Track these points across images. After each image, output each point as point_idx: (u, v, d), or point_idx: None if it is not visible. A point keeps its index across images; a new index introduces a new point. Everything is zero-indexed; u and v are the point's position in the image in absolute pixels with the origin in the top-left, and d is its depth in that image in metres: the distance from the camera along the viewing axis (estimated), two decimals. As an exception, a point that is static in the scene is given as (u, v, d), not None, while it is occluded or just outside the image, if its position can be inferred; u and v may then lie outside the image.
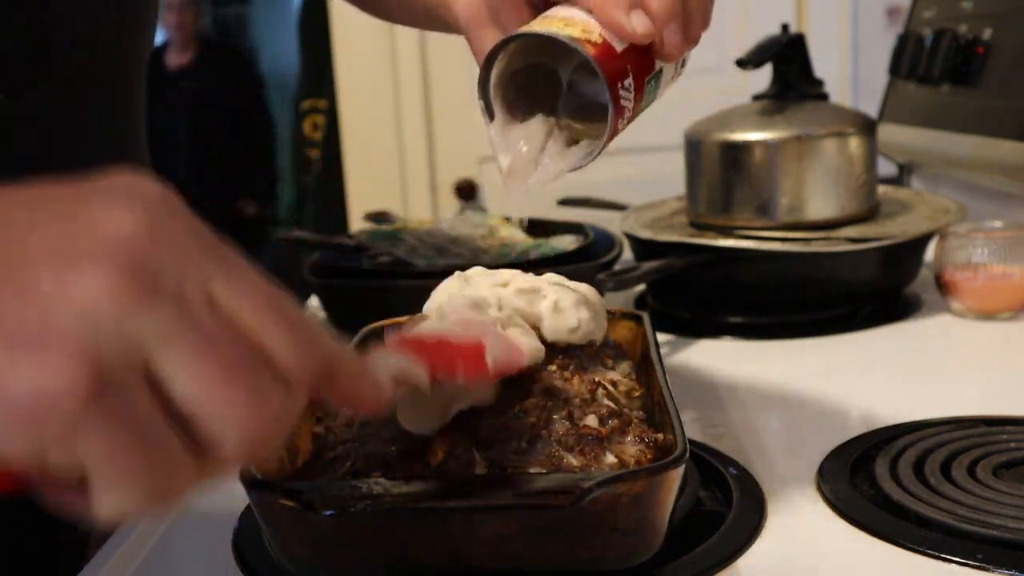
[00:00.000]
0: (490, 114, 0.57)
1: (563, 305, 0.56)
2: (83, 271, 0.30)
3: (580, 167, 0.57)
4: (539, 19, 0.56)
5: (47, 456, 0.30)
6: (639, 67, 0.55)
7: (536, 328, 0.56)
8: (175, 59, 3.33)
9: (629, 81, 0.54)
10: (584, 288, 0.60)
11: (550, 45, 0.54)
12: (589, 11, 0.55)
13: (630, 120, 0.56)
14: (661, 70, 0.57)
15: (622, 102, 0.54)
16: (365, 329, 0.66)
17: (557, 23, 0.54)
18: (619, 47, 0.54)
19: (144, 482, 0.31)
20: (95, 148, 0.63)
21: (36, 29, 0.58)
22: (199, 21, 3.65)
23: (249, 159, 3.39)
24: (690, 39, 0.56)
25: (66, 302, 0.30)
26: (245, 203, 3.31)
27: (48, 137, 0.60)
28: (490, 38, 0.60)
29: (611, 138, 0.56)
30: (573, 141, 0.58)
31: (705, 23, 0.57)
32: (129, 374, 0.30)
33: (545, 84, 0.57)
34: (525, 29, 0.55)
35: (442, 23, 0.70)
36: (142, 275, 0.31)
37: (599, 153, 0.57)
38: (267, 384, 0.32)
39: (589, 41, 0.53)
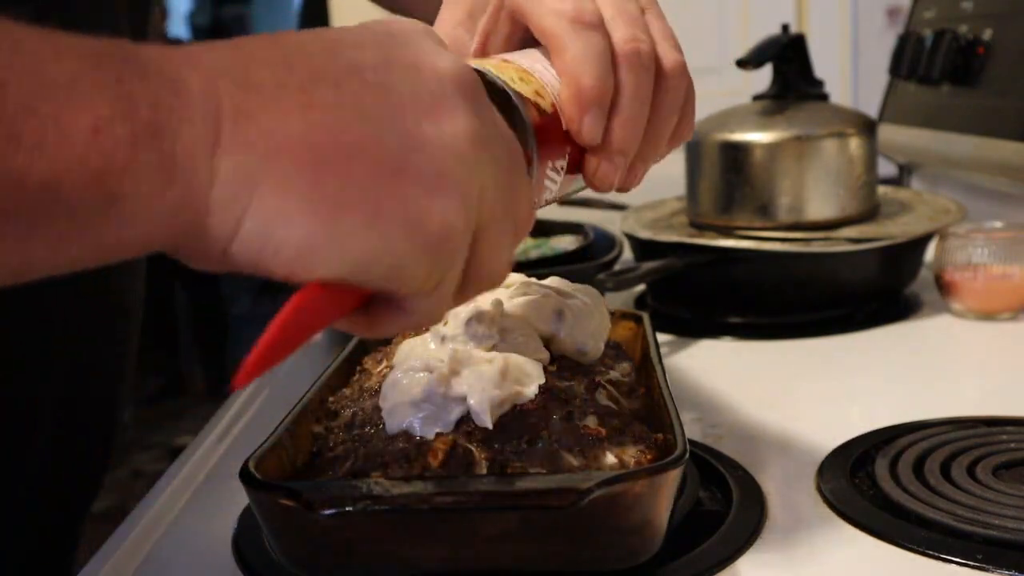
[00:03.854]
0: None
1: (577, 332, 0.56)
2: (449, 116, 0.36)
3: None
4: (499, 58, 0.50)
5: (429, 281, 0.36)
6: (579, 156, 0.49)
7: (545, 339, 0.56)
8: None
9: (562, 164, 0.48)
10: (586, 290, 0.60)
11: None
12: (554, 72, 0.49)
13: (544, 204, 0.51)
14: None
15: (546, 182, 0.48)
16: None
17: (513, 72, 0.48)
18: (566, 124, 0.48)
19: (446, 308, 0.39)
20: None
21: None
22: (165, 20, 3.67)
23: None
24: (624, 181, 0.51)
25: (447, 147, 0.35)
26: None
27: None
28: (451, 19, 0.56)
29: None
30: None
31: (638, 179, 0.53)
32: (474, 213, 0.37)
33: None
34: (476, 63, 0.49)
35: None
36: (480, 120, 0.37)
37: None
38: (514, 244, 0.41)
39: (538, 106, 0.47)
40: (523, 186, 0.40)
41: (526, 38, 0.53)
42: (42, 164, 0.28)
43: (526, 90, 0.47)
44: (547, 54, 0.50)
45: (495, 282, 0.40)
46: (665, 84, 0.50)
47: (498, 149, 0.38)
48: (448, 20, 0.56)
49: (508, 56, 0.51)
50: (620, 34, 0.49)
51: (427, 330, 0.55)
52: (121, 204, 0.30)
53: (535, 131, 0.46)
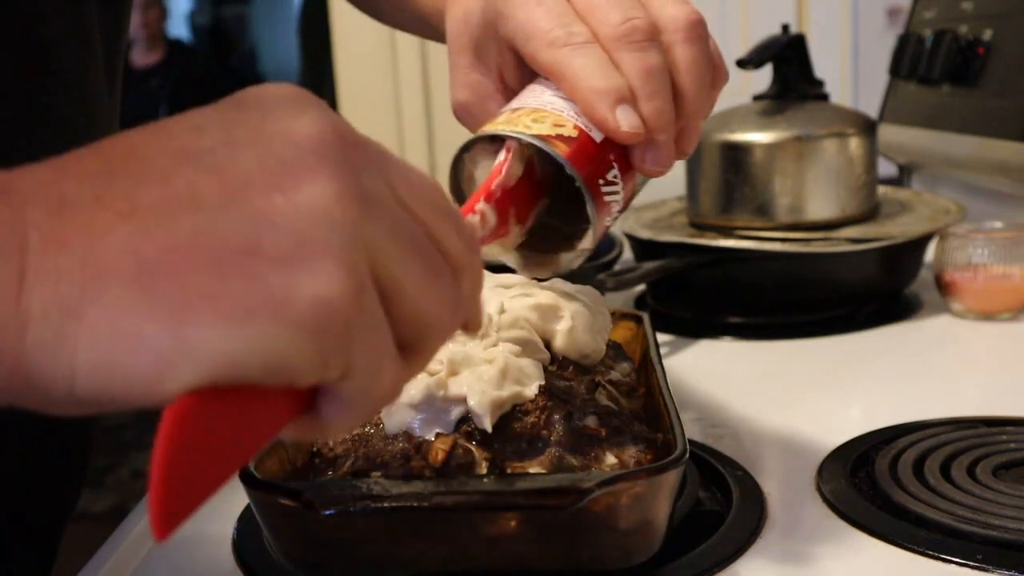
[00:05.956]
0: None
1: (579, 334, 0.56)
2: (306, 181, 0.31)
3: (568, 269, 0.53)
4: (507, 112, 0.51)
5: (329, 364, 0.31)
6: (626, 153, 0.50)
7: (546, 340, 0.56)
8: (142, 59, 3.38)
9: (614, 173, 0.49)
10: (586, 291, 0.60)
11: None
12: (565, 97, 0.49)
13: (621, 212, 0.51)
14: None
15: (606, 198, 0.49)
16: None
17: (526, 118, 0.49)
18: (599, 136, 0.48)
19: (388, 382, 0.33)
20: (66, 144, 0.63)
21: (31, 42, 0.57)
22: (164, 20, 3.70)
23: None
24: (677, 153, 0.51)
25: (307, 215, 0.30)
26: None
27: (15, 131, 0.56)
28: (463, 65, 0.56)
29: (600, 238, 0.51)
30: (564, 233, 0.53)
31: (695, 140, 0.52)
32: (368, 276, 0.32)
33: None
34: (489, 128, 0.50)
35: (434, 32, 0.68)
36: (352, 176, 0.32)
37: (587, 253, 0.52)
38: (451, 282, 0.35)
39: (561, 137, 0.48)
40: (444, 223, 0.35)
41: None
42: None
43: (543, 129, 0.48)
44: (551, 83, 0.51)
45: (444, 331, 0.35)
46: (681, 42, 0.49)
47: (386, 200, 0.33)
48: (461, 66, 0.56)
49: (516, 103, 0.52)
50: (611, 22, 0.48)
51: None
52: None
53: (569, 159, 0.47)
